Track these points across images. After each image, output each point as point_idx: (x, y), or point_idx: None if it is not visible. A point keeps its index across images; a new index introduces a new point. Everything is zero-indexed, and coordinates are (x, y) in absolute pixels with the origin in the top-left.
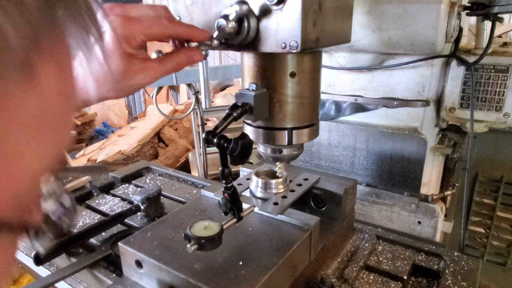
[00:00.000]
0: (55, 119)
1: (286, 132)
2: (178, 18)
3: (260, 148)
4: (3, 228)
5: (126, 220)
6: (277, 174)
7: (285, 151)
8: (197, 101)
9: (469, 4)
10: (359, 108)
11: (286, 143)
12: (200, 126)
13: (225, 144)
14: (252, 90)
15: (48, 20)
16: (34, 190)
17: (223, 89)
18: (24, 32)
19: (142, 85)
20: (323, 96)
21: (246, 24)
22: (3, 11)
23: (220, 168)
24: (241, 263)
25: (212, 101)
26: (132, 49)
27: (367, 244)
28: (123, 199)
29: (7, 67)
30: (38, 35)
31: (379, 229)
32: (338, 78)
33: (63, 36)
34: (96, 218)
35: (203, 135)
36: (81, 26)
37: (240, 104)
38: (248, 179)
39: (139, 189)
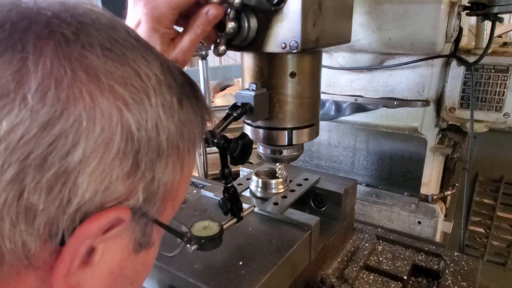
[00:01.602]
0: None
1: (286, 132)
2: None
3: (260, 149)
4: None
5: None
6: (277, 175)
7: (285, 152)
8: None
9: (469, 4)
10: (359, 108)
11: (286, 143)
12: None
13: (225, 144)
14: (252, 90)
15: (203, 123)
16: None
17: (223, 89)
18: (200, 130)
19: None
20: (323, 96)
21: (246, 24)
22: (195, 119)
23: (220, 168)
24: (241, 263)
25: (212, 101)
26: (167, 29)
27: (367, 244)
28: None
29: (193, 146)
30: (201, 131)
31: (379, 229)
32: (338, 78)
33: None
34: None
35: (203, 135)
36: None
37: (240, 104)
38: (248, 179)
39: None
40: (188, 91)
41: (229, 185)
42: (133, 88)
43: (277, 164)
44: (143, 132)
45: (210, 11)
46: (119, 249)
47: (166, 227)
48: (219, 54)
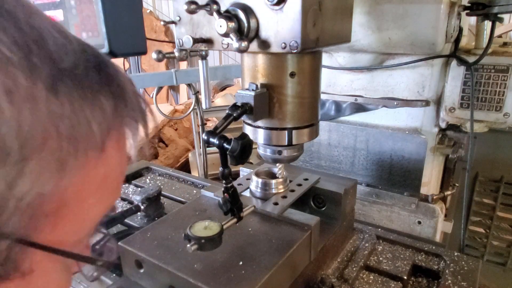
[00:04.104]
0: (114, 180)
1: (286, 132)
2: (178, 18)
3: (260, 150)
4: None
5: (126, 220)
6: (277, 175)
7: (285, 152)
8: (197, 101)
9: (469, 4)
10: (359, 108)
11: (286, 143)
12: (200, 126)
13: (225, 144)
14: (252, 90)
15: (117, 116)
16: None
17: (223, 89)
18: (102, 125)
19: None
20: (323, 96)
21: (246, 24)
22: (90, 111)
23: (220, 168)
24: (241, 263)
25: (212, 101)
26: None
27: (367, 244)
28: (123, 199)
29: (91, 147)
30: (109, 127)
31: (379, 229)
32: (338, 78)
33: (123, 125)
34: None
35: (203, 135)
36: (133, 118)
37: (240, 104)
38: (248, 179)
39: (139, 189)
40: (83, 76)
41: (229, 185)
42: None
43: (277, 164)
44: None
45: None
46: None
47: (46, 248)
48: (241, 50)
